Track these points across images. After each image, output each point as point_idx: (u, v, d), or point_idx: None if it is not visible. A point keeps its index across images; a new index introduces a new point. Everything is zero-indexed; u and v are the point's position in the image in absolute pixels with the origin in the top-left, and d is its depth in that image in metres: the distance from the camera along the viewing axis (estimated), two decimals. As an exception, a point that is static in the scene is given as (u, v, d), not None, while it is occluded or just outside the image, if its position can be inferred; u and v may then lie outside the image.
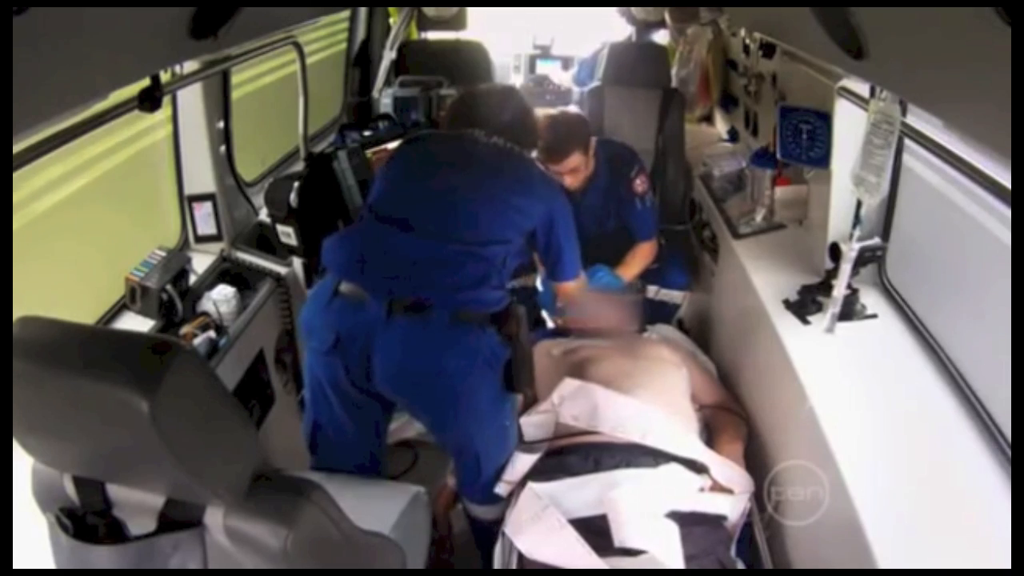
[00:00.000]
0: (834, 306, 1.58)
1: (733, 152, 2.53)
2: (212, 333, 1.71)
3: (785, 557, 1.51)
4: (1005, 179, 1.07)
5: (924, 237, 1.64)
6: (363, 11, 3.10)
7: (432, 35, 3.45)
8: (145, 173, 1.94)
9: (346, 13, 3.03)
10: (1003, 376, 0.97)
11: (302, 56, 1.99)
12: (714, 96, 2.95)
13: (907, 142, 1.50)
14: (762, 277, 1.86)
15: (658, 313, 2.36)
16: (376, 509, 1.36)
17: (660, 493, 1.47)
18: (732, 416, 1.81)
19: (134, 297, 1.68)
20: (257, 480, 0.96)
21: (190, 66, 1.60)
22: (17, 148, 1.06)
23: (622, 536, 1.37)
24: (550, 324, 2.32)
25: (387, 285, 1.43)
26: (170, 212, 1.98)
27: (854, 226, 1.57)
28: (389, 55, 3.03)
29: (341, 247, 1.52)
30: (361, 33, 3.16)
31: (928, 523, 1.16)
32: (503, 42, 3.78)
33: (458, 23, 3.37)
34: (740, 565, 1.50)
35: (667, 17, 3.10)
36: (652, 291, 2.35)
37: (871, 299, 1.65)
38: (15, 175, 1.14)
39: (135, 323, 1.69)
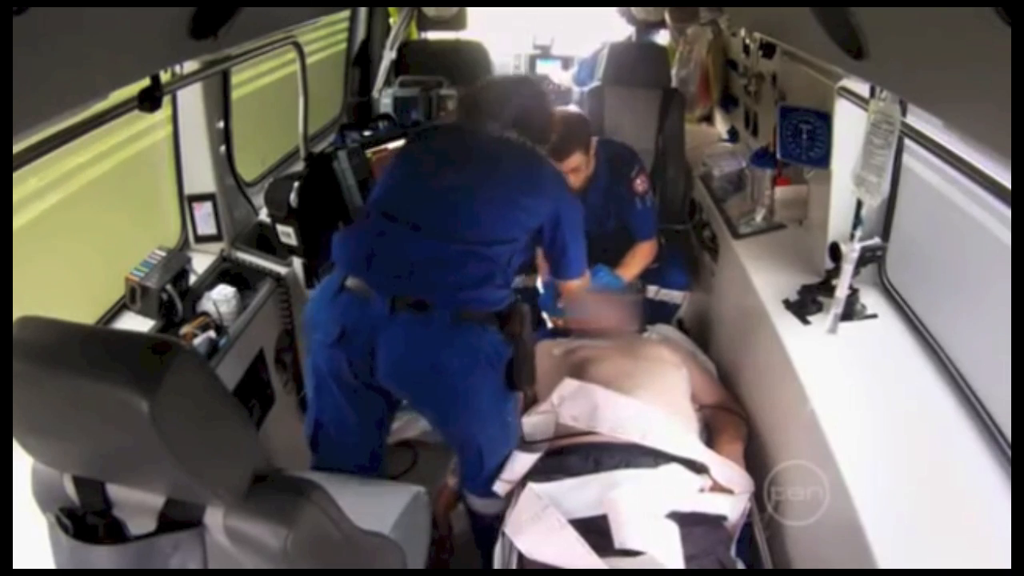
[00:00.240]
0: (836, 307, 1.57)
1: (733, 152, 2.53)
2: (212, 333, 1.71)
3: (785, 557, 1.51)
4: (1005, 179, 1.07)
5: (924, 237, 1.64)
6: (363, 11, 3.10)
7: (432, 35, 3.45)
8: (145, 173, 1.94)
9: (346, 13, 3.03)
10: (1003, 376, 0.97)
11: (302, 56, 1.99)
12: (714, 96, 2.95)
13: (907, 142, 1.50)
14: (762, 277, 1.86)
15: (658, 313, 2.36)
16: (376, 509, 1.36)
17: (660, 493, 1.47)
18: (732, 416, 1.81)
19: (134, 297, 1.68)
20: (257, 480, 0.96)
21: (190, 66, 1.60)
22: (17, 148, 1.06)
23: (622, 537, 1.37)
24: (550, 324, 2.32)
25: (391, 283, 1.45)
26: (170, 212, 1.99)
27: (855, 226, 1.57)
28: (389, 55, 3.03)
29: (349, 243, 1.54)
30: (361, 33, 3.16)
31: (928, 523, 1.16)
32: (503, 42, 3.78)
33: (458, 23, 3.37)
34: (740, 565, 1.50)
35: (667, 17, 3.10)
36: (652, 291, 2.35)
37: (871, 299, 1.65)
38: (15, 175, 1.14)
39: (135, 323, 1.69)
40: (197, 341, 1.66)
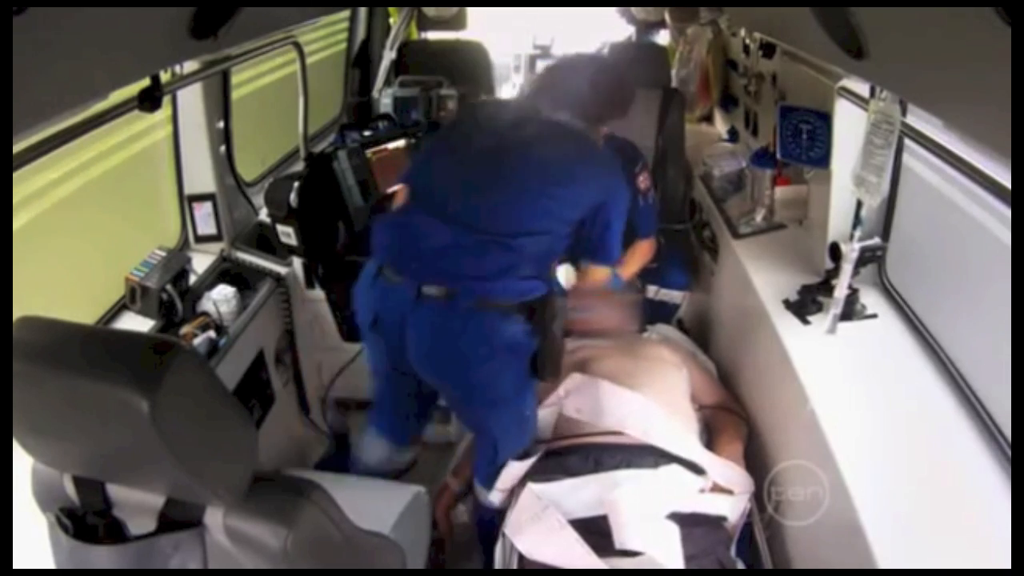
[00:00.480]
0: (835, 307, 1.57)
1: (733, 152, 2.53)
2: (212, 333, 1.71)
3: (785, 557, 1.51)
4: (1005, 179, 1.07)
5: (924, 237, 1.64)
6: (363, 11, 3.10)
7: (432, 35, 3.45)
8: (145, 173, 1.94)
9: (346, 13, 3.03)
10: (1003, 376, 0.97)
11: (302, 56, 1.99)
12: (714, 96, 2.95)
13: (907, 142, 1.50)
14: (762, 277, 1.85)
15: (658, 313, 2.36)
16: (376, 509, 1.36)
17: (661, 494, 1.47)
18: (732, 416, 1.81)
19: (134, 297, 1.69)
20: (257, 480, 0.96)
21: (190, 66, 1.59)
22: (17, 148, 1.06)
23: (623, 538, 1.37)
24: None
25: (417, 270, 1.48)
26: (170, 212, 1.99)
27: (855, 226, 1.57)
28: (389, 55, 3.02)
29: (384, 230, 1.57)
30: (361, 33, 3.16)
31: (928, 523, 1.16)
32: (503, 42, 3.78)
33: (458, 23, 3.37)
34: (740, 565, 1.50)
35: (667, 17, 3.10)
36: (652, 291, 2.35)
37: (871, 299, 1.65)
38: (15, 174, 1.14)
39: (135, 323, 1.69)
40: (197, 341, 1.66)
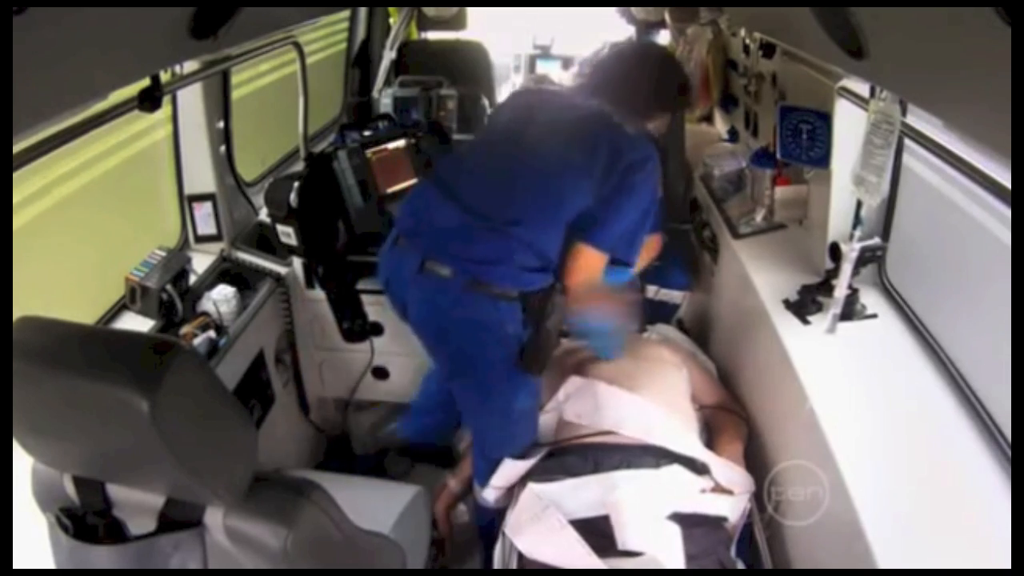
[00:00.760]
0: (835, 307, 1.57)
1: (733, 152, 2.53)
2: (212, 333, 1.71)
3: (785, 557, 1.51)
4: (1005, 179, 1.07)
5: (924, 237, 1.64)
6: (363, 11, 3.10)
7: (432, 35, 3.45)
8: (145, 173, 1.94)
9: (346, 13, 3.03)
10: (1003, 376, 0.97)
11: (302, 56, 1.99)
12: (714, 96, 2.94)
13: (907, 142, 1.50)
14: (762, 277, 1.85)
15: (658, 313, 2.36)
16: (376, 509, 1.36)
17: (662, 495, 1.47)
18: (732, 416, 1.81)
19: (134, 297, 1.69)
20: (257, 480, 0.96)
21: (190, 66, 1.59)
22: (17, 148, 1.06)
23: (625, 538, 1.37)
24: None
25: (423, 244, 1.54)
26: (170, 212, 1.99)
27: (855, 226, 1.57)
28: (389, 55, 3.02)
29: (407, 201, 1.66)
30: (361, 33, 3.16)
31: (928, 523, 1.16)
32: (503, 42, 3.78)
33: (458, 23, 3.37)
34: (740, 565, 1.50)
35: (667, 17, 3.10)
36: (652, 291, 2.35)
37: (871, 299, 1.65)
38: (15, 174, 1.14)
39: (135, 323, 1.69)
40: (197, 341, 1.66)
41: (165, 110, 1.86)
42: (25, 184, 1.45)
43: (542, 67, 3.89)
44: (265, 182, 2.21)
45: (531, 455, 1.65)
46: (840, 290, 1.56)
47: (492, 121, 1.77)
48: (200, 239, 2.00)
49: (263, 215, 2.17)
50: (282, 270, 2.05)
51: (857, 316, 1.61)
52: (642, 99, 1.64)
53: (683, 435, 1.62)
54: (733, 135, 2.81)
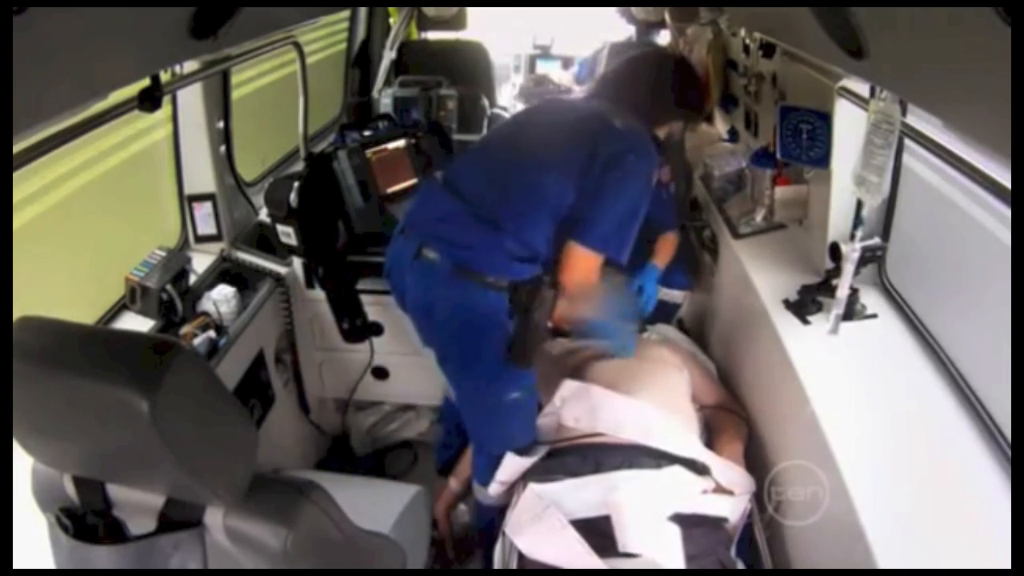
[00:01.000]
0: (837, 307, 1.57)
1: (733, 152, 2.53)
2: (212, 333, 1.71)
3: (785, 557, 1.51)
4: (1005, 179, 1.07)
5: (924, 237, 1.64)
6: (363, 11, 3.10)
7: (432, 35, 3.45)
8: (145, 172, 1.94)
9: (346, 13, 3.03)
10: (1003, 376, 0.97)
11: (302, 56, 1.99)
12: (714, 96, 2.94)
13: (907, 142, 1.50)
14: (762, 277, 1.85)
15: (658, 313, 2.36)
16: (376, 509, 1.37)
17: (664, 496, 1.46)
18: (732, 416, 1.81)
19: (134, 297, 1.68)
20: (257, 480, 0.96)
21: (190, 66, 1.59)
22: (17, 148, 1.06)
23: (626, 540, 1.37)
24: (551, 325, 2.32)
25: (419, 232, 1.60)
26: (170, 212, 1.99)
27: (855, 226, 1.57)
28: (389, 55, 3.02)
29: (416, 196, 1.75)
30: (361, 33, 3.16)
31: (928, 523, 1.16)
32: (503, 42, 3.78)
33: (458, 23, 3.36)
34: (740, 565, 1.50)
35: (667, 17, 3.09)
36: (652, 291, 2.35)
37: (871, 299, 1.65)
38: (15, 174, 1.14)
39: (135, 323, 1.69)
40: (197, 341, 1.66)
41: (165, 110, 1.86)
42: (25, 184, 1.45)
43: (542, 67, 3.88)
44: (265, 182, 2.21)
45: (532, 454, 1.65)
46: (842, 290, 1.56)
47: (500, 124, 1.88)
48: (200, 239, 2.00)
49: (263, 215, 2.17)
50: (282, 270, 2.05)
51: (857, 316, 1.61)
52: (649, 105, 1.70)
53: (683, 437, 1.62)
54: (733, 135, 2.81)
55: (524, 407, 1.66)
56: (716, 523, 1.50)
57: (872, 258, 1.59)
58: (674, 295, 2.38)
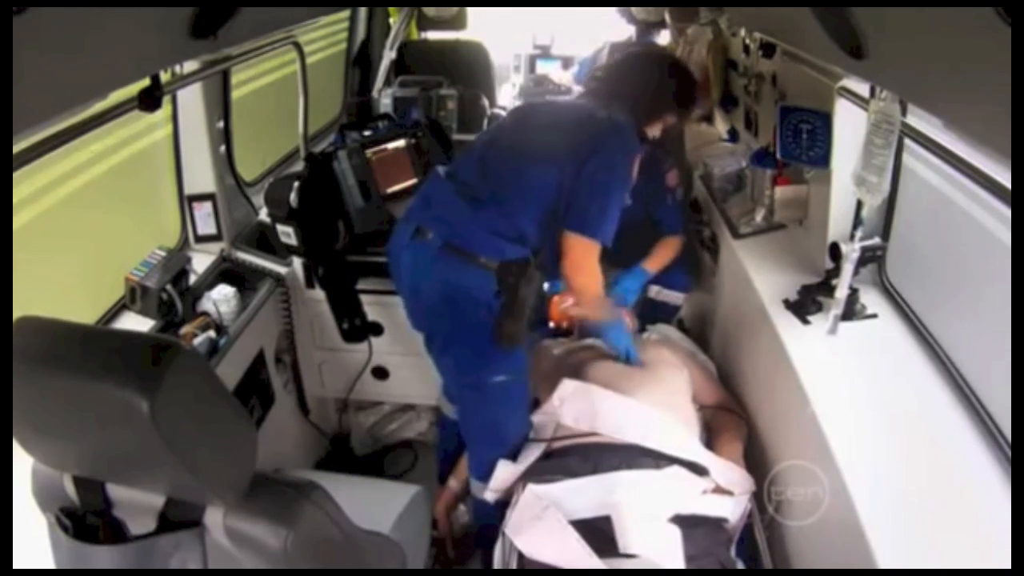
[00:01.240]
0: (836, 307, 1.57)
1: (733, 152, 2.53)
2: (212, 333, 1.71)
3: (785, 557, 1.51)
4: (1005, 179, 1.07)
5: (924, 237, 1.64)
6: (363, 11, 3.10)
7: (432, 35, 3.45)
8: (144, 172, 1.94)
9: (346, 13, 3.03)
10: (1003, 376, 0.97)
11: (302, 56, 1.99)
12: (714, 96, 2.94)
13: (907, 142, 1.50)
14: (762, 277, 1.85)
15: (658, 313, 2.36)
16: (376, 509, 1.36)
17: (664, 497, 1.46)
18: (732, 416, 1.81)
19: (134, 297, 1.68)
20: (257, 480, 0.96)
21: (190, 66, 1.60)
22: (17, 148, 1.06)
23: (626, 541, 1.36)
24: (552, 324, 2.32)
25: (416, 216, 1.67)
26: (170, 212, 1.99)
27: (855, 226, 1.57)
28: (389, 55, 3.02)
29: (421, 188, 1.82)
30: (361, 33, 3.16)
31: (928, 523, 1.16)
32: (503, 42, 3.77)
33: (458, 23, 3.37)
34: (740, 565, 1.50)
35: (667, 17, 3.09)
36: (652, 291, 2.35)
37: (871, 299, 1.64)
38: (15, 174, 1.14)
39: (135, 323, 1.69)
40: (197, 341, 1.66)
41: (165, 110, 1.85)
42: (25, 184, 1.45)
43: (542, 67, 3.88)
44: (265, 182, 2.21)
45: (526, 453, 1.65)
46: (842, 290, 1.56)
47: (500, 121, 1.90)
48: (200, 239, 2.00)
49: (263, 215, 2.17)
50: (282, 270, 2.05)
51: (857, 316, 1.61)
52: (639, 99, 1.74)
53: (682, 437, 1.62)
54: (733, 135, 2.81)
55: (511, 392, 1.66)
56: (716, 523, 1.50)
57: (872, 258, 1.59)
58: (674, 295, 2.38)
